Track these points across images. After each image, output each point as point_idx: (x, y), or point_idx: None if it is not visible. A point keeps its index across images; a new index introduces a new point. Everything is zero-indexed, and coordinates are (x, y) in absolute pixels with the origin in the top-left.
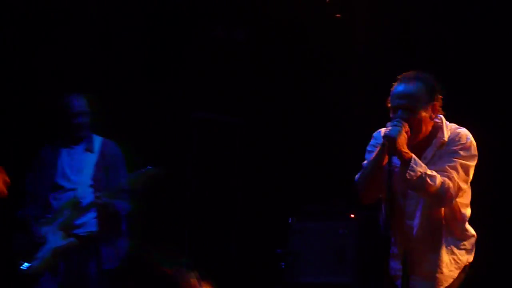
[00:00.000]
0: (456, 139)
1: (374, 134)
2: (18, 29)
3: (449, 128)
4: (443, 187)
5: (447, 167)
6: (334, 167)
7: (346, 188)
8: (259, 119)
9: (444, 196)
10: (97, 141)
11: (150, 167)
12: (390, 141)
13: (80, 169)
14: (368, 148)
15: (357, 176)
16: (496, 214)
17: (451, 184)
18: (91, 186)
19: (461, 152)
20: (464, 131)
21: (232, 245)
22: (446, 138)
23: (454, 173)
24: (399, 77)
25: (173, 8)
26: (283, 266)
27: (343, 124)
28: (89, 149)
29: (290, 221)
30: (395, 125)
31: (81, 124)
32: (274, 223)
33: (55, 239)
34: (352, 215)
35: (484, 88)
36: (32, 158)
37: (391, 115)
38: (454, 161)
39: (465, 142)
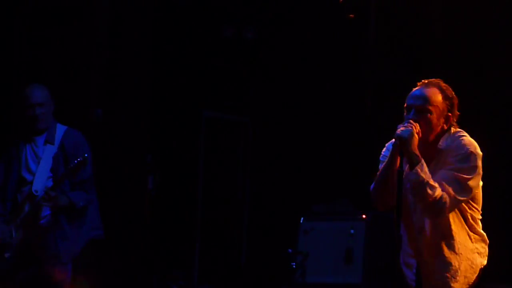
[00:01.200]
0: (455, 150)
1: (387, 144)
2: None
3: (451, 136)
4: (440, 201)
5: (443, 181)
6: (344, 167)
7: (356, 188)
8: (269, 118)
9: (439, 210)
10: (60, 131)
11: (86, 155)
12: (401, 141)
13: (40, 161)
14: (381, 158)
15: (371, 186)
16: (508, 216)
17: (448, 200)
18: (50, 178)
19: (458, 164)
20: (465, 141)
21: (242, 244)
22: (445, 146)
23: (450, 189)
24: (420, 82)
25: (184, 7)
26: (294, 266)
27: (353, 124)
28: (50, 141)
29: (301, 221)
30: (406, 126)
31: (36, 116)
32: (285, 223)
33: (18, 236)
34: (364, 216)
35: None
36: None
37: (405, 115)
38: (450, 174)
39: (464, 152)
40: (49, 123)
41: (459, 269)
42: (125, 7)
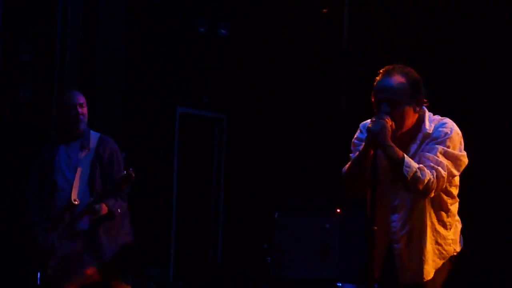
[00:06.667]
0: (440, 130)
1: (361, 124)
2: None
3: (432, 120)
4: (433, 181)
5: (434, 156)
6: (319, 162)
7: (331, 183)
8: (244, 114)
9: (431, 190)
10: (94, 137)
11: (131, 170)
12: (373, 135)
13: (76, 167)
14: (355, 140)
15: (344, 168)
16: (484, 205)
17: (439, 177)
18: (87, 184)
19: (447, 142)
20: (448, 121)
21: (218, 240)
22: (430, 130)
23: (444, 166)
24: (381, 70)
25: (158, 3)
26: (269, 261)
27: (327, 119)
28: (85, 146)
29: (276, 216)
30: (377, 119)
31: (78, 115)
32: (260, 218)
33: (63, 245)
34: (338, 210)
35: (467, 80)
36: (34, 159)
37: (375, 110)
38: (441, 149)
39: (449, 132)
40: (85, 127)
41: (429, 251)
42: (99, 4)
